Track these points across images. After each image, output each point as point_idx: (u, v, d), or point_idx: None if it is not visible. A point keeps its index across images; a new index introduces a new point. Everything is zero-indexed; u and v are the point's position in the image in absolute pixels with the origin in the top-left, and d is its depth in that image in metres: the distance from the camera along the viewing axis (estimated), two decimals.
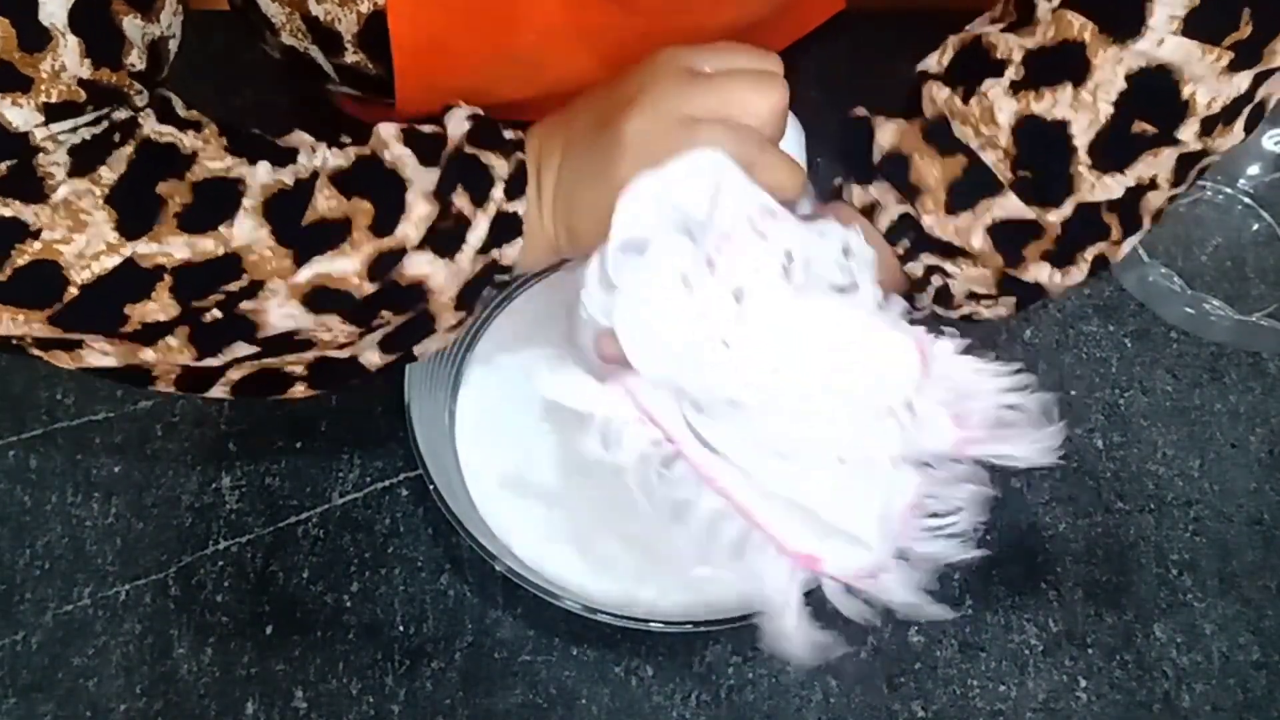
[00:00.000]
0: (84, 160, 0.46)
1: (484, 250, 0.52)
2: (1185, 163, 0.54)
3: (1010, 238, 0.54)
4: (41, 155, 0.45)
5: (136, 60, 0.47)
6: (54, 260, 0.45)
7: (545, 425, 0.68)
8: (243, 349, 0.51)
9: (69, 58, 0.44)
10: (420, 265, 0.51)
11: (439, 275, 0.51)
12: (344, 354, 0.54)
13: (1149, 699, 0.64)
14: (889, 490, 0.49)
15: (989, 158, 0.53)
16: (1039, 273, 0.55)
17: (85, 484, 0.68)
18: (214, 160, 0.48)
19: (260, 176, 0.49)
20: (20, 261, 0.45)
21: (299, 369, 0.54)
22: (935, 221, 0.54)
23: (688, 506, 0.49)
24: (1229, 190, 0.82)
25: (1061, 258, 0.55)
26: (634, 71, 0.52)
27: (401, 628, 0.65)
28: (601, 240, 0.49)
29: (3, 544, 0.66)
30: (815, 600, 0.63)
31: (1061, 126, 0.52)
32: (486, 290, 0.55)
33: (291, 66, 0.62)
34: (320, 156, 0.51)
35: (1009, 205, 0.53)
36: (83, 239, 0.46)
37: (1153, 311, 0.76)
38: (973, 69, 0.54)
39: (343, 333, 0.52)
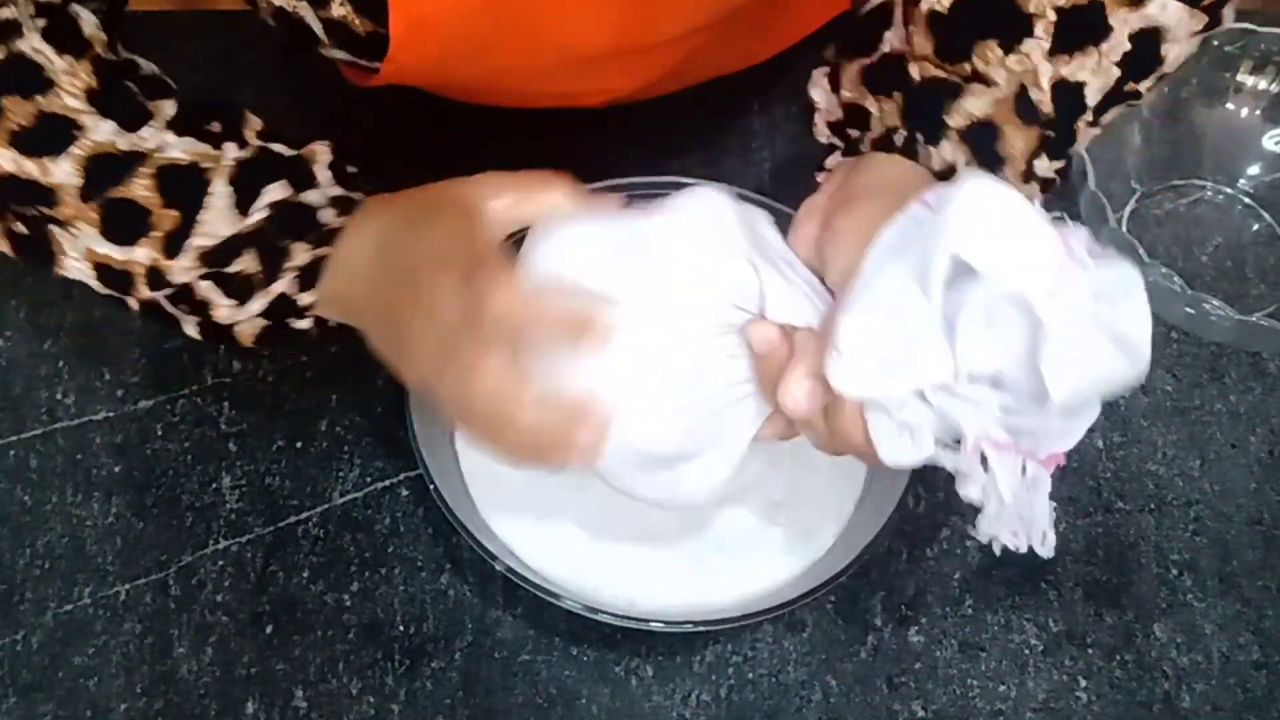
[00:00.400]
0: None
1: (265, 314, 0.56)
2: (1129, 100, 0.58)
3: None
4: None
5: None
6: None
7: None
8: (51, 270, 0.55)
9: None
10: (205, 292, 0.55)
11: (223, 309, 0.55)
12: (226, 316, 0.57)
13: (1149, 699, 0.64)
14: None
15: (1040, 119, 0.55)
16: None
17: (85, 484, 0.68)
18: (70, 96, 0.51)
19: (100, 132, 0.51)
20: None
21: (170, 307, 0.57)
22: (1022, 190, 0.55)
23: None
24: (1229, 190, 0.82)
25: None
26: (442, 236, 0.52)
27: (402, 627, 0.65)
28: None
29: (3, 544, 0.66)
30: (816, 602, 0.63)
31: (1080, 88, 0.55)
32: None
33: (284, 32, 0.62)
34: (166, 140, 0.53)
35: (1043, 166, 0.56)
36: None
37: (1153, 311, 0.76)
38: (1001, 19, 0.55)
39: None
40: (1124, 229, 0.78)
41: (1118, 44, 0.54)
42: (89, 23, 0.54)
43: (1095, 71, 0.54)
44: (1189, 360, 0.75)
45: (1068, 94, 0.55)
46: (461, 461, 0.67)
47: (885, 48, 0.58)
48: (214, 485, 0.68)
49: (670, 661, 0.64)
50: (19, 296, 0.74)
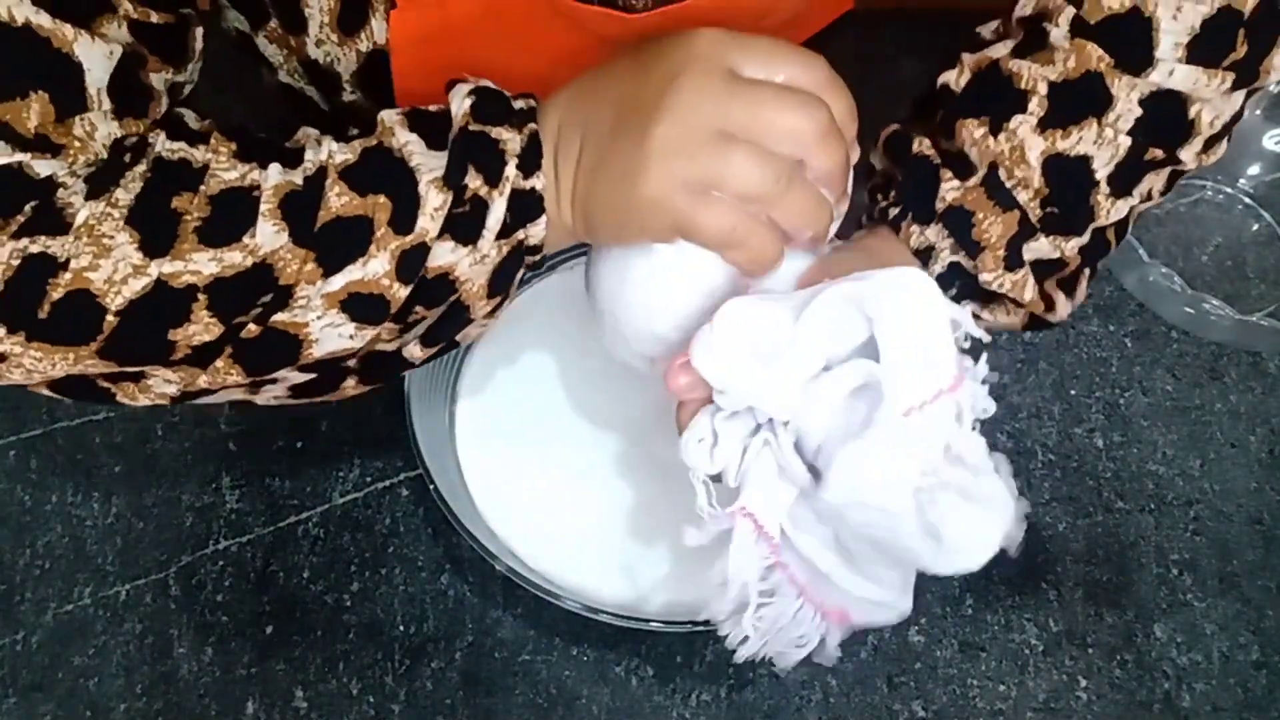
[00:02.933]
0: (99, 184, 0.45)
1: (505, 234, 0.49)
2: (1177, 175, 0.55)
3: (1040, 276, 0.54)
4: (60, 190, 0.44)
5: (160, 108, 0.48)
6: (86, 289, 0.45)
7: (546, 424, 0.68)
8: (295, 376, 0.50)
9: (100, 121, 0.45)
10: (444, 256, 0.49)
11: (464, 265, 0.49)
12: (390, 348, 0.53)
13: (1149, 699, 0.64)
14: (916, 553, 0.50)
15: (1021, 198, 0.53)
16: (1061, 308, 0.55)
17: (85, 484, 0.68)
18: (227, 170, 0.47)
19: (272, 179, 0.47)
20: (55, 295, 0.44)
21: (351, 362, 0.52)
22: (994, 277, 0.53)
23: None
24: (1229, 190, 0.82)
25: (1071, 283, 0.55)
26: (666, 52, 0.48)
27: (402, 627, 0.65)
28: (621, 238, 0.50)
29: (3, 544, 0.66)
30: None
31: (1085, 161, 0.52)
32: (522, 272, 0.52)
33: (286, 100, 0.62)
34: (326, 150, 0.49)
35: (1039, 246, 0.53)
36: (109, 263, 0.45)
37: (1153, 311, 0.76)
38: (995, 97, 0.53)
39: (386, 331, 0.51)
40: None
41: (1125, 112, 0.51)
42: (190, 115, 0.50)
43: (1099, 143, 0.52)
44: (1189, 360, 0.75)
45: (1068, 168, 0.52)
46: (461, 461, 0.67)
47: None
48: (214, 485, 0.68)
49: (670, 661, 0.64)
50: None
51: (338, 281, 0.47)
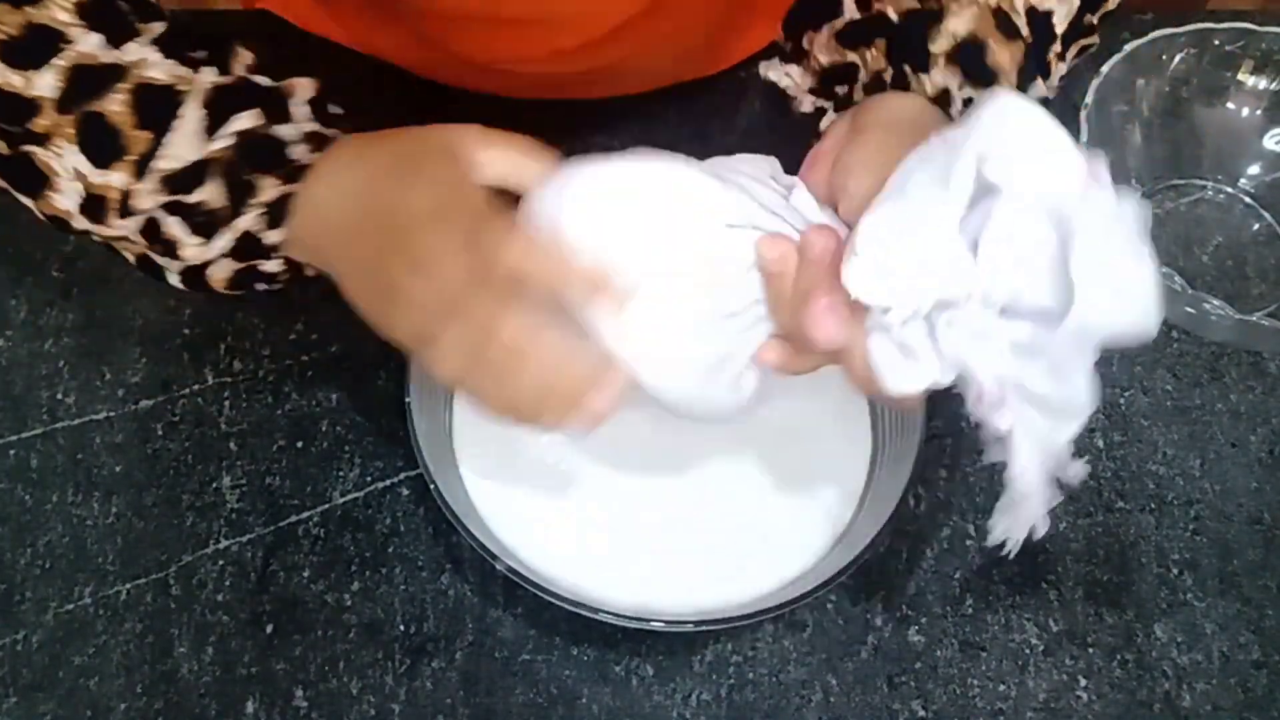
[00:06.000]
0: None
1: (233, 254, 0.54)
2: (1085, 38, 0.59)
3: None
4: None
5: None
6: None
7: None
8: (40, 199, 0.54)
9: None
10: (171, 228, 0.53)
11: (190, 248, 0.54)
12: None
13: (1150, 698, 0.64)
14: None
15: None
16: None
17: (86, 483, 0.68)
18: (60, 11, 0.50)
19: (86, 44, 0.51)
20: None
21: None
22: None
23: None
24: (1229, 190, 0.82)
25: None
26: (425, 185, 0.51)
27: (402, 627, 0.65)
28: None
29: (3, 543, 0.66)
30: (816, 602, 0.63)
31: (1049, 16, 0.56)
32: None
33: None
34: (148, 58, 0.52)
35: (1035, 88, 0.57)
36: None
37: None
38: None
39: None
40: None
41: None
42: None
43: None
44: (1189, 360, 0.75)
45: (1039, 21, 0.56)
46: (461, 461, 0.67)
47: (848, 11, 0.59)
48: (214, 485, 0.68)
49: (670, 661, 0.64)
50: (19, 296, 0.74)
51: (78, 161, 0.52)
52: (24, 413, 0.70)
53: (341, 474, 0.69)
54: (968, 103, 0.56)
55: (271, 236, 0.54)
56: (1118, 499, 0.70)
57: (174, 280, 0.56)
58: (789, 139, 0.60)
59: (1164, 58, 0.78)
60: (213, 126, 0.52)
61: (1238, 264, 0.79)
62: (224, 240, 0.54)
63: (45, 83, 0.50)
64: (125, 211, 0.53)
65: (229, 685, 0.63)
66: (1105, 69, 0.75)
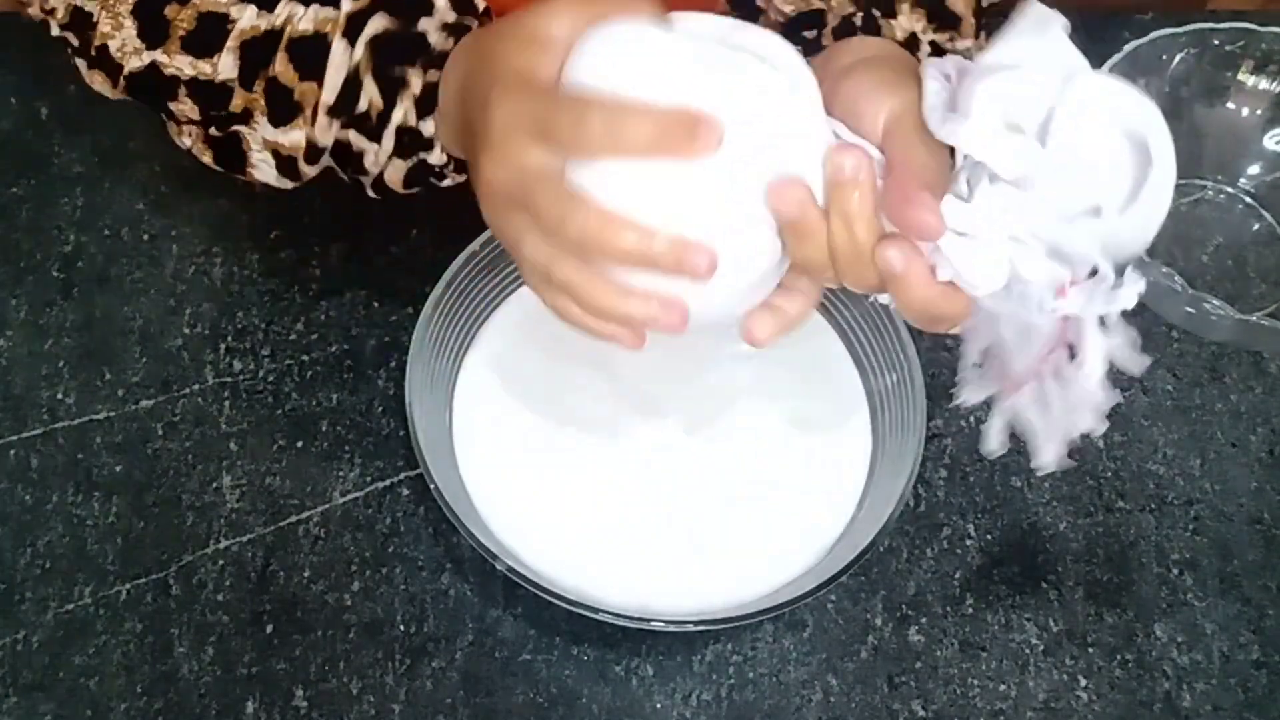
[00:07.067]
0: None
1: (399, 152, 0.57)
2: None
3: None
4: None
5: None
6: (106, 46, 0.58)
7: (546, 423, 0.68)
8: (244, 173, 0.60)
9: None
10: (354, 140, 0.57)
11: (369, 156, 0.57)
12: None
13: (1150, 698, 0.64)
14: None
15: None
16: None
17: (86, 483, 0.68)
18: None
19: (245, 19, 0.56)
20: (95, 43, 0.58)
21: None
22: (972, 45, 0.59)
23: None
24: (1229, 190, 0.82)
25: None
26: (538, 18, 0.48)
27: (402, 627, 0.65)
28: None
29: (3, 543, 0.66)
30: (816, 602, 0.63)
31: None
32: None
33: None
34: (289, 11, 0.56)
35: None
36: (120, 37, 0.57)
37: (1153, 311, 0.76)
38: None
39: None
40: None
41: None
42: None
43: None
44: (1189, 360, 0.75)
45: None
46: (461, 461, 0.67)
47: None
48: (214, 485, 0.68)
49: (670, 661, 0.64)
50: (19, 296, 0.74)
51: (269, 131, 0.58)
52: (24, 413, 0.70)
53: (341, 474, 0.69)
54: (934, 46, 0.57)
55: (425, 127, 0.56)
56: (1118, 499, 0.70)
57: (370, 193, 0.60)
58: None
59: (1164, 58, 0.78)
60: (352, 41, 0.55)
61: (1238, 264, 0.79)
62: (388, 141, 0.56)
63: (226, 65, 0.56)
64: (313, 159, 0.58)
65: (229, 685, 0.63)
66: (1105, 69, 0.75)
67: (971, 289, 0.46)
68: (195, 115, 0.58)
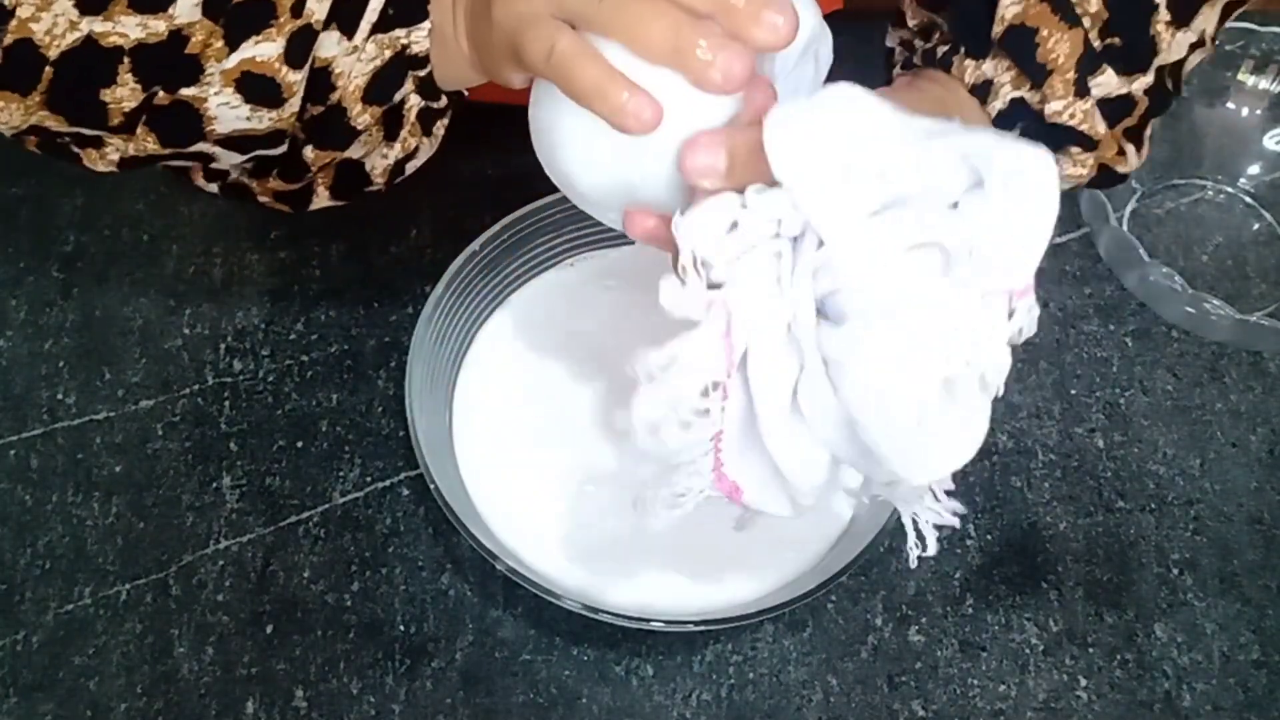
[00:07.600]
0: None
1: (384, 28, 0.50)
2: (1226, 13, 0.52)
3: (1109, 119, 0.51)
4: None
5: None
6: (28, 38, 0.48)
7: (546, 424, 0.68)
8: (204, 146, 0.53)
9: None
10: (328, 48, 0.50)
11: (343, 59, 0.51)
12: (309, 154, 0.55)
13: (1150, 698, 0.64)
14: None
15: (1084, 22, 0.49)
16: (1132, 158, 0.52)
17: (86, 483, 0.68)
18: None
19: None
20: (6, 42, 0.48)
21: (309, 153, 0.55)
22: (1064, 105, 0.50)
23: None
24: (1230, 190, 0.82)
25: (1138, 132, 0.52)
26: None
27: (402, 627, 0.65)
28: (495, 70, 0.48)
29: (3, 544, 0.66)
30: (816, 602, 0.63)
31: None
32: (409, 87, 0.52)
33: None
34: None
35: (1106, 81, 0.50)
36: (49, 17, 0.48)
37: (1153, 311, 0.76)
38: None
39: (284, 123, 0.52)
40: (1124, 228, 0.78)
41: None
42: None
43: None
44: (1189, 360, 0.75)
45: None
46: (461, 461, 0.67)
47: None
48: (214, 485, 0.68)
49: (670, 661, 0.64)
50: (19, 296, 0.74)
51: (234, 59, 0.49)
52: (24, 413, 0.70)
53: (341, 474, 0.69)
54: (1014, 103, 0.50)
55: (417, 38, 0.51)
56: (1118, 499, 0.70)
57: (313, 153, 0.55)
58: None
59: None
60: None
61: (1238, 264, 0.79)
62: (371, 14, 0.50)
63: (184, 7, 0.49)
64: (295, 60, 0.51)
65: (229, 685, 0.63)
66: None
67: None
68: (133, 100, 0.51)
